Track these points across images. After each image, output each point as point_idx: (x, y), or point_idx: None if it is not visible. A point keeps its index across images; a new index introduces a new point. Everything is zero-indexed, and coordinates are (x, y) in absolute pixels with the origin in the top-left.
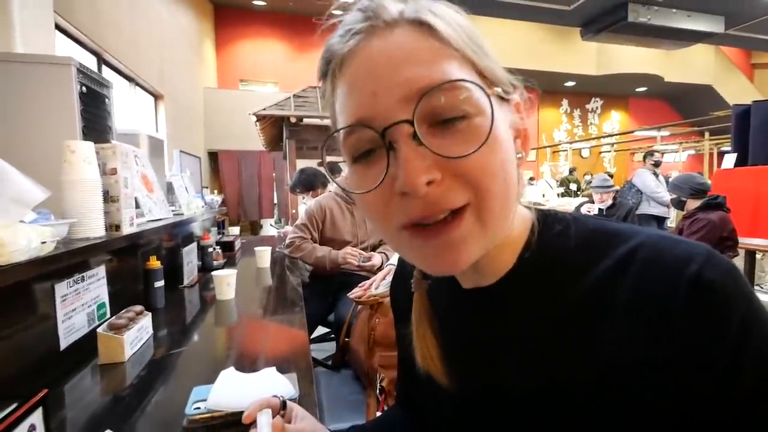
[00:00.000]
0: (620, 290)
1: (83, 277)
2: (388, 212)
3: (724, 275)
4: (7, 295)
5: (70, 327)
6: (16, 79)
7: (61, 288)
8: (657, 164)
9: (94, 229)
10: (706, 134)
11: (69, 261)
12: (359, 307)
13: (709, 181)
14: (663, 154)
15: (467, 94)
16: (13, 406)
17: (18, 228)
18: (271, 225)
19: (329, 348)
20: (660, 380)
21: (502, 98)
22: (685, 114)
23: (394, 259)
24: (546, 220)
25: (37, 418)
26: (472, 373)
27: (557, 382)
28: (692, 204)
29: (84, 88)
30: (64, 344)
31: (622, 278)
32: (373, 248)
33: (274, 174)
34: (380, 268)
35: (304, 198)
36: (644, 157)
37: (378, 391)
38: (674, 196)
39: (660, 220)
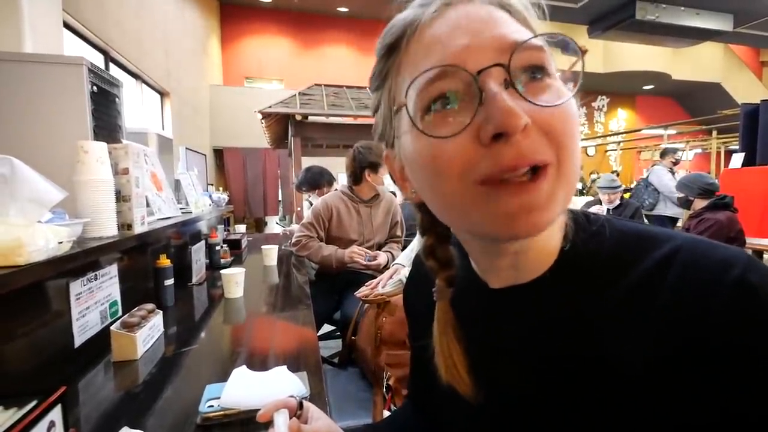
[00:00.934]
0: (660, 292)
1: (96, 275)
2: (468, 164)
3: (766, 279)
4: (25, 294)
5: (84, 325)
6: (29, 79)
7: (76, 286)
8: (676, 162)
9: (107, 228)
10: (714, 133)
11: (84, 260)
12: (366, 305)
13: (718, 182)
14: (681, 151)
15: (550, 57)
16: (33, 403)
17: (36, 228)
18: (276, 223)
19: (335, 345)
20: (697, 380)
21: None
22: (693, 112)
23: (401, 258)
24: (579, 220)
25: (56, 414)
26: (501, 379)
27: (592, 386)
28: (699, 203)
29: (95, 88)
30: (78, 342)
31: (663, 280)
32: (379, 247)
33: (279, 171)
34: (386, 267)
35: (309, 196)
36: (662, 155)
37: (384, 389)
38: (682, 195)
39: (673, 222)
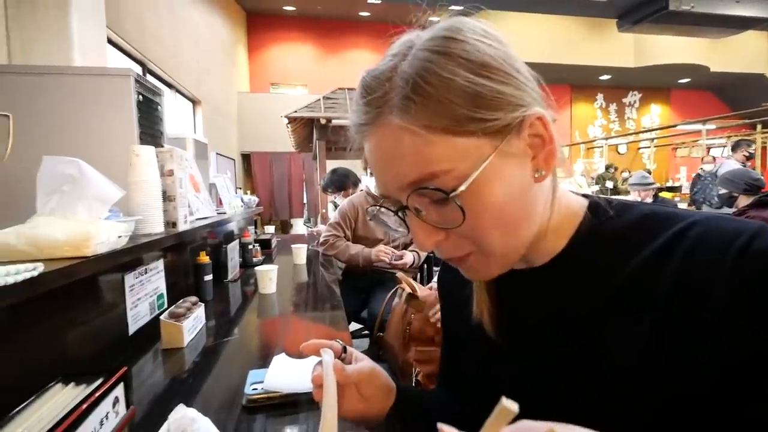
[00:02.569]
0: (669, 267)
1: (146, 269)
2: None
3: None
4: (88, 284)
5: (137, 314)
6: (81, 90)
7: (130, 279)
8: (750, 157)
9: (156, 225)
10: (759, 127)
11: (138, 254)
12: (394, 301)
13: (764, 178)
14: (754, 146)
15: (444, 181)
16: (100, 380)
17: (100, 223)
18: (304, 224)
19: (362, 344)
20: (703, 352)
21: (505, 131)
22: (734, 106)
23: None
24: (599, 206)
25: (119, 391)
26: (522, 333)
27: (598, 355)
28: (744, 201)
29: (140, 97)
30: (132, 329)
31: (669, 257)
32: (405, 246)
33: (303, 174)
34: (412, 266)
35: (335, 197)
36: (733, 148)
37: (414, 385)
38: (725, 191)
39: None
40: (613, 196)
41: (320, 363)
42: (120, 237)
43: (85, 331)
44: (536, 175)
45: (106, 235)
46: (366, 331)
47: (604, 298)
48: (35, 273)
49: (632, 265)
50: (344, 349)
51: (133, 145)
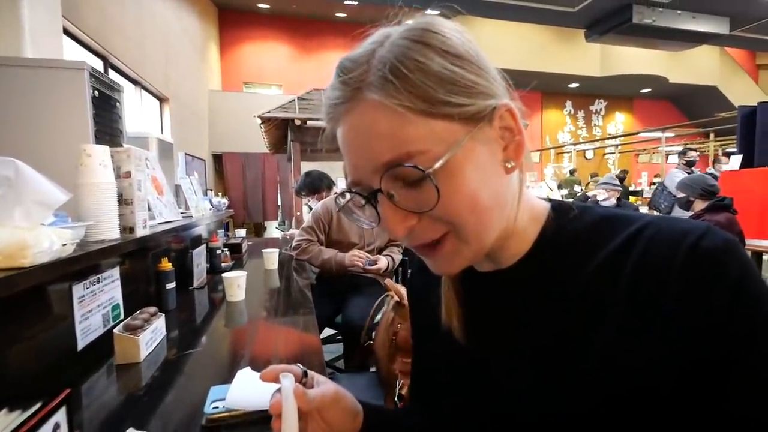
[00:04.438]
0: (625, 268)
1: (99, 278)
2: (398, 239)
3: (721, 244)
4: (29, 297)
5: (87, 328)
6: (30, 83)
7: (79, 289)
8: (690, 164)
9: (110, 231)
10: (712, 135)
11: (87, 263)
12: (382, 309)
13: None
14: (699, 153)
15: (420, 161)
16: (38, 405)
17: (41, 230)
18: (276, 228)
19: (336, 349)
20: (661, 347)
21: (477, 118)
22: (690, 115)
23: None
24: (561, 209)
25: (61, 416)
26: (489, 336)
27: (566, 353)
28: (699, 205)
29: (96, 92)
30: (81, 344)
31: (627, 256)
32: (380, 251)
33: (278, 176)
34: (386, 271)
35: (309, 201)
36: (679, 156)
37: (397, 398)
38: (682, 195)
39: None
40: (570, 200)
41: (279, 390)
42: (65, 245)
43: (25, 348)
44: (507, 165)
45: (48, 243)
46: (339, 336)
47: (569, 299)
48: None
49: (592, 265)
50: (305, 374)
51: (83, 144)
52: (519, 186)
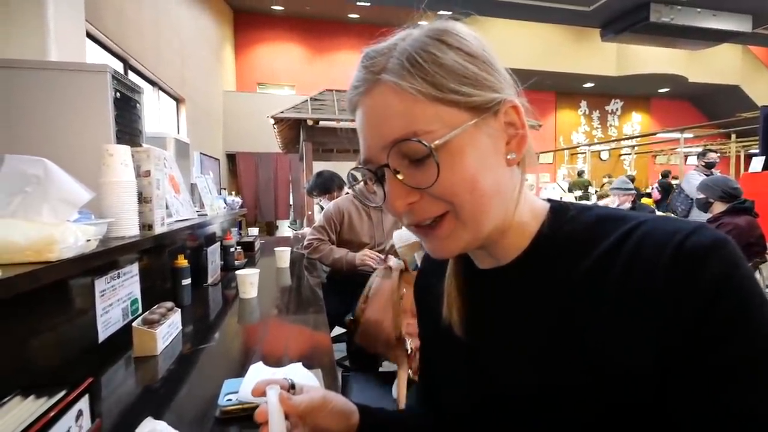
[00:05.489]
0: (616, 266)
1: (119, 273)
2: (399, 215)
3: (708, 242)
4: (54, 290)
5: (107, 321)
6: (56, 85)
7: (100, 284)
8: (710, 165)
9: (130, 228)
10: (733, 136)
11: (109, 258)
12: (375, 279)
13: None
14: (720, 154)
15: (425, 138)
16: (63, 392)
17: (67, 226)
18: (288, 226)
19: (345, 348)
20: (646, 344)
21: (482, 108)
22: (711, 115)
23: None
24: (560, 209)
25: (84, 404)
26: (488, 332)
27: (560, 349)
28: (719, 207)
29: (118, 94)
30: (102, 337)
31: (618, 254)
32: (390, 252)
33: (290, 176)
34: None
35: (320, 200)
36: (698, 157)
37: (407, 352)
38: (702, 196)
39: None
40: (571, 201)
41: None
42: (89, 240)
43: (50, 339)
44: (508, 157)
45: (73, 239)
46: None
47: (564, 296)
48: None
49: (587, 263)
50: (292, 386)
51: (106, 144)
52: (520, 181)
